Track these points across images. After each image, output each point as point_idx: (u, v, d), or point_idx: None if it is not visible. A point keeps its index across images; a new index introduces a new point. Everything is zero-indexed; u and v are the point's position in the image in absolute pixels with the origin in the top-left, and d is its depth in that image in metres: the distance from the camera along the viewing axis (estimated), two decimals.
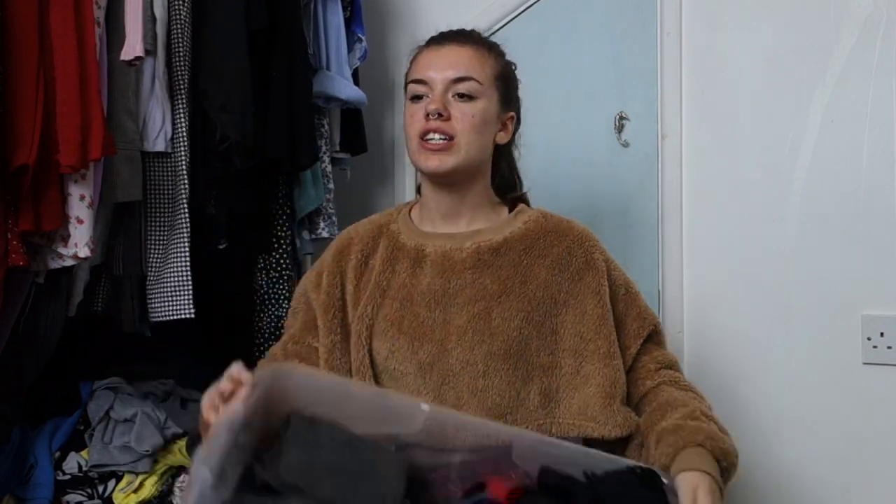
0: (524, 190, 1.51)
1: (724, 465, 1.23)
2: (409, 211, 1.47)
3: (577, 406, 1.33)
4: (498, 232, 1.40)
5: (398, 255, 1.40)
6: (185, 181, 1.69)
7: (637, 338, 1.39)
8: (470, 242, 1.38)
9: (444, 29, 1.47)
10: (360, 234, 1.45)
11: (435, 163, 1.35)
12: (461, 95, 1.36)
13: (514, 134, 1.47)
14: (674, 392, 1.34)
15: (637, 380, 1.38)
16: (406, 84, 1.41)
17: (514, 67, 1.48)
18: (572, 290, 1.37)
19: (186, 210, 1.68)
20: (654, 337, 1.41)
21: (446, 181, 1.39)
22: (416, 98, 1.38)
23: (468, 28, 1.47)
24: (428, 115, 1.34)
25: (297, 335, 1.44)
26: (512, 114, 1.45)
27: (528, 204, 1.49)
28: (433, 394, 1.32)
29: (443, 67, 1.37)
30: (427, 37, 1.46)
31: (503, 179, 1.48)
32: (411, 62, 1.43)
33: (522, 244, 1.38)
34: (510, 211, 1.45)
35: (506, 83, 1.43)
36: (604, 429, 1.30)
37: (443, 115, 1.34)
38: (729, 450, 1.24)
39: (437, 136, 1.34)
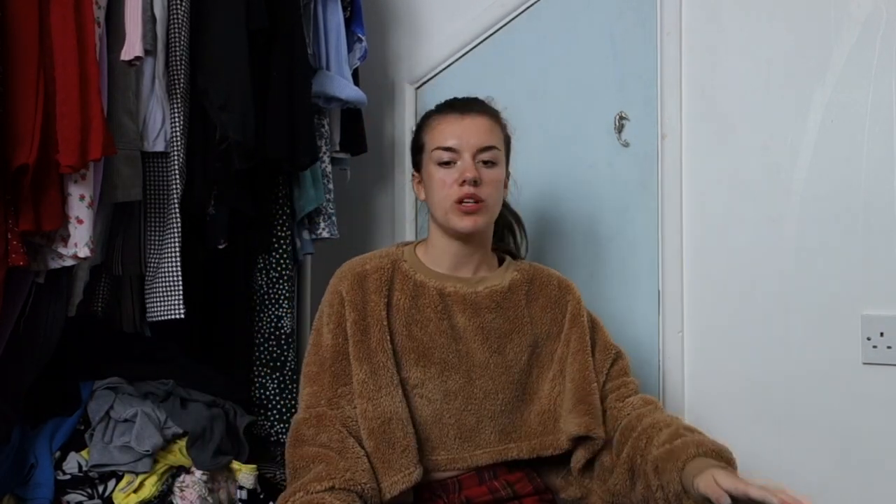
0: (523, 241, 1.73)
1: (724, 461, 1.34)
2: (415, 251, 1.60)
3: (567, 407, 1.54)
4: (501, 279, 1.58)
5: (419, 291, 1.53)
6: (178, 181, 1.69)
7: (602, 369, 1.58)
8: (482, 287, 1.56)
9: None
10: (373, 266, 1.55)
11: (470, 223, 1.49)
12: (486, 162, 1.51)
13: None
14: (652, 415, 1.50)
15: (608, 409, 1.54)
16: (430, 149, 1.53)
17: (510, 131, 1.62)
18: (561, 324, 1.58)
19: (178, 210, 1.69)
20: (617, 362, 1.60)
21: (470, 236, 1.54)
22: (446, 164, 1.51)
23: (475, 96, 1.60)
24: (464, 182, 1.48)
25: (329, 394, 1.48)
26: (509, 171, 1.61)
27: (512, 256, 1.67)
28: (455, 417, 1.51)
29: (469, 136, 1.50)
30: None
31: (509, 229, 1.72)
32: (428, 127, 1.56)
33: (523, 289, 1.58)
34: (499, 262, 1.63)
35: (508, 147, 1.60)
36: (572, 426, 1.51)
37: (477, 183, 1.49)
38: (721, 449, 1.36)
39: (471, 200, 1.49)
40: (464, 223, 1.49)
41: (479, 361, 1.52)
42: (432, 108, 1.61)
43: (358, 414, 1.46)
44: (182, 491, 1.68)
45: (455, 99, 1.59)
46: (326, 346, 1.50)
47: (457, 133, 1.51)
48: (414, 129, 1.62)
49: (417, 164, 1.60)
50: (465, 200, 1.49)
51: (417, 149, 1.58)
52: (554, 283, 1.61)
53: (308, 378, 1.51)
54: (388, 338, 1.49)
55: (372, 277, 1.53)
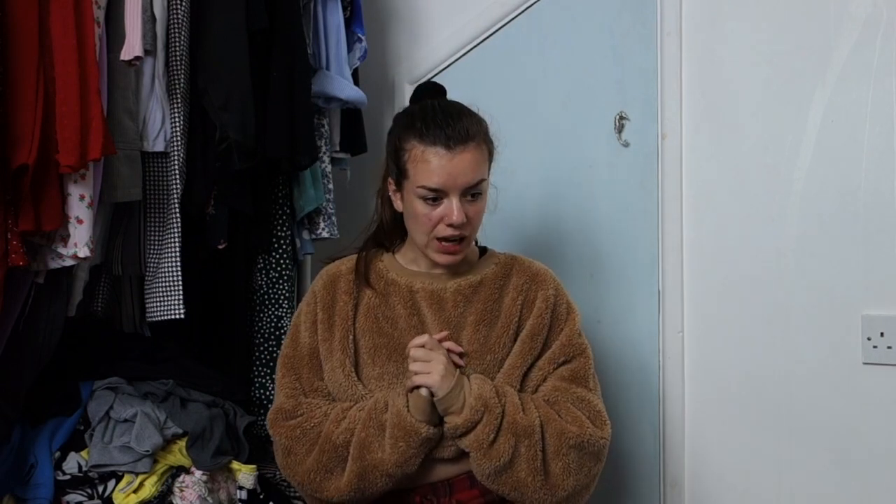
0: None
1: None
2: (394, 253, 1.59)
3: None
4: (475, 273, 1.55)
5: (391, 289, 1.53)
6: (178, 181, 1.69)
7: (551, 363, 1.50)
8: (451, 282, 1.53)
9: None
10: (347, 268, 1.56)
11: (451, 260, 1.49)
12: (473, 195, 1.45)
13: None
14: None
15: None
16: (414, 183, 1.44)
17: (489, 124, 1.52)
18: (524, 315, 1.52)
19: (178, 210, 1.69)
20: (567, 364, 1.51)
21: None
22: (432, 200, 1.44)
23: (456, 102, 1.50)
24: (451, 225, 1.43)
25: (307, 388, 1.51)
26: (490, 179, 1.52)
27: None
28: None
29: (458, 177, 1.42)
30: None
31: None
32: (412, 156, 1.45)
33: (496, 283, 1.54)
34: (480, 254, 1.60)
35: (492, 157, 1.52)
36: None
37: (464, 224, 1.44)
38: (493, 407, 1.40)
39: (455, 239, 1.45)
40: (444, 259, 1.48)
41: None
42: (414, 115, 1.48)
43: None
44: (182, 491, 1.68)
45: (442, 123, 1.44)
46: (304, 344, 1.53)
47: (444, 174, 1.42)
48: (394, 134, 1.52)
49: (397, 183, 1.50)
50: (449, 239, 1.45)
51: (399, 170, 1.48)
52: (526, 275, 1.55)
53: (286, 367, 1.53)
54: (351, 337, 1.50)
55: (345, 278, 1.55)
